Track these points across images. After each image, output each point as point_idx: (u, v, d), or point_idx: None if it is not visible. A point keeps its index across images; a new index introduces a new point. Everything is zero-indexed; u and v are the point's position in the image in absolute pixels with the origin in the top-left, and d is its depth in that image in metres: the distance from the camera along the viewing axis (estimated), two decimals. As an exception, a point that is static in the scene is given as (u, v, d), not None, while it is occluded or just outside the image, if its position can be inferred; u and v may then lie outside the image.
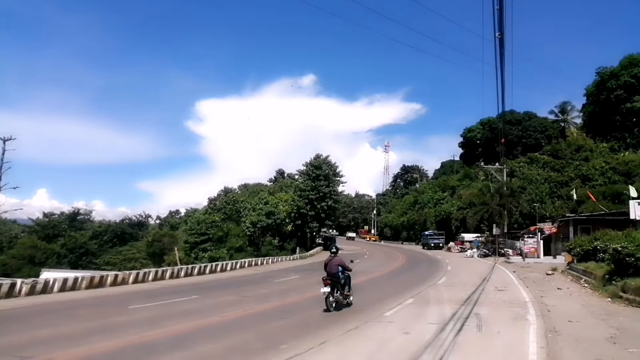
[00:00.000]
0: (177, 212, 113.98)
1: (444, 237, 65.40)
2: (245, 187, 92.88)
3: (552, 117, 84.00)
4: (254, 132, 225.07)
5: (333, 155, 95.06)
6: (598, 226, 30.52)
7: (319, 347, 8.84)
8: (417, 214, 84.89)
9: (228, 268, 33.15)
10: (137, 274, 24.11)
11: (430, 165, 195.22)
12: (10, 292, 16.73)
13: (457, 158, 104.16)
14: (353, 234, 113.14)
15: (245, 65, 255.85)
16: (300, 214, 63.03)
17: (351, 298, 14.03)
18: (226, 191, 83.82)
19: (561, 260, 31.47)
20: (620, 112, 64.56)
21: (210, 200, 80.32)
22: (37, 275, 30.09)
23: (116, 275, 22.75)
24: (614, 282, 16.32)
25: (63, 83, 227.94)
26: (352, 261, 15.68)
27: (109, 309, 14.64)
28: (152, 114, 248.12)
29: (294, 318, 12.65)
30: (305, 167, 66.53)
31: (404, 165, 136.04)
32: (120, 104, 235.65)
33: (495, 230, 47.65)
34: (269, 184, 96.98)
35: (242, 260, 37.98)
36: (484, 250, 47.89)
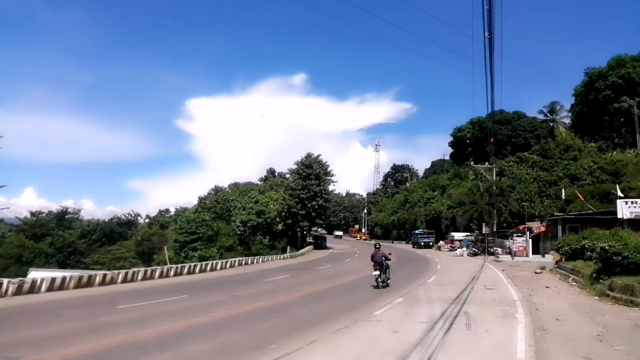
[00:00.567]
0: (167, 211, 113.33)
1: (434, 236, 65.69)
2: (235, 186, 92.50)
3: (541, 117, 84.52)
4: (245, 131, 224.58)
5: (324, 154, 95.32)
6: (586, 225, 30.76)
7: (308, 346, 8.83)
8: (408, 213, 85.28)
9: (218, 267, 33.08)
10: (126, 273, 23.98)
11: (421, 164, 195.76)
12: (-3, 292, 16.52)
13: (447, 157, 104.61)
14: (340, 233, 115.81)
15: (235, 63, 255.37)
16: (291, 213, 63.02)
17: (389, 280, 18.63)
18: (216, 190, 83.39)
19: (550, 259, 31.77)
20: (608, 112, 65.08)
21: (201, 199, 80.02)
22: (25, 275, 29.81)
23: (105, 275, 22.61)
24: (601, 280, 16.48)
25: (51, 80, 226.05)
26: (390, 254, 20.00)
27: (97, 308, 14.50)
28: (141, 112, 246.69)
29: (284, 317, 12.64)
30: (296, 166, 66.57)
31: (394, 164, 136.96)
32: (109, 101, 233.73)
33: (484, 229, 47.93)
34: (259, 182, 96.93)
35: (232, 259, 37.96)
36: (474, 249, 48.25)
